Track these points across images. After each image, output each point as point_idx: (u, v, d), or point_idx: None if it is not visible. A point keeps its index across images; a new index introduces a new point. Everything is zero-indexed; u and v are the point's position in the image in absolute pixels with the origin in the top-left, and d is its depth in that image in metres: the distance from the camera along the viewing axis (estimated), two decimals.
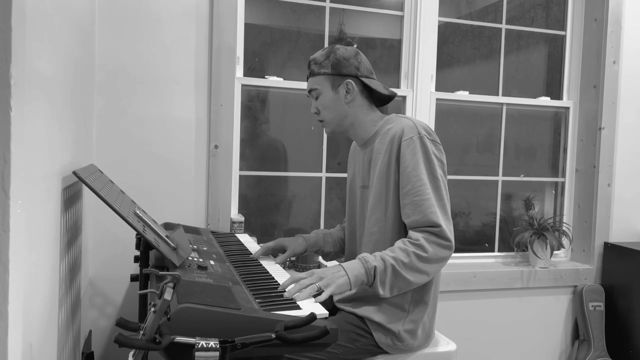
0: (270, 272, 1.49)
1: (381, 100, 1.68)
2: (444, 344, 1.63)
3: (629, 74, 2.65)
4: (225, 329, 1.02)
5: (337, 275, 1.37)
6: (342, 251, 1.87)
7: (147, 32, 2.05)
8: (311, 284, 1.31)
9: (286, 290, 1.30)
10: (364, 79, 1.60)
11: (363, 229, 1.64)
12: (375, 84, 1.62)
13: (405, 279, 1.42)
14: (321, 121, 1.65)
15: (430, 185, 1.46)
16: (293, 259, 1.96)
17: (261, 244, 1.98)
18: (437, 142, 1.53)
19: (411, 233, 1.46)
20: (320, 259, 2.19)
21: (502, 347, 2.58)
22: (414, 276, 1.43)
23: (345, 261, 1.79)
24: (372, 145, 1.61)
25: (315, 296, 1.30)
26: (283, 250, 1.75)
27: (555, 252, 2.71)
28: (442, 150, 1.53)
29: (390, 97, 1.65)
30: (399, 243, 1.45)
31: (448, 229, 1.45)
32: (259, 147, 2.35)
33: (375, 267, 1.39)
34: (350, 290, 1.39)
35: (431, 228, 1.44)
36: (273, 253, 1.77)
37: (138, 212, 1.42)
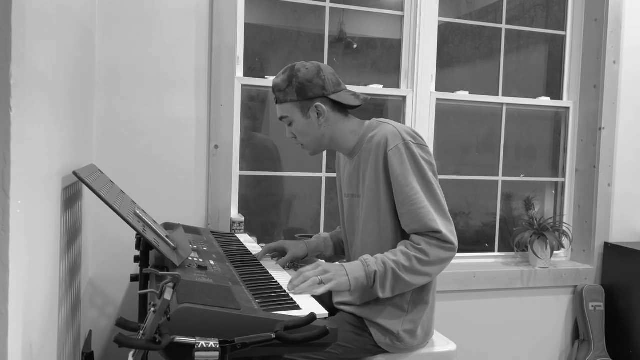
0: (271, 272, 1.49)
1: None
2: (443, 343, 1.63)
3: (629, 73, 2.65)
4: (225, 329, 1.02)
5: (339, 273, 1.39)
6: (343, 253, 1.87)
7: (147, 32, 2.05)
8: (314, 277, 1.35)
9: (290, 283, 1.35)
10: (332, 97, 1.54)
11: (354, 237, 1.64)
12: (345, 98, 1.56)
13: (406, 281, 1.43)
14: (301, 144, 1.62)
15: (423, 191, 1.46)
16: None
17: (262, 244, 1.98)
18: (423, 145, 1.51)
19: (413, 237, 1.47)
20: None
21: (502, 347, 2.58)
22: (415, 279, 1.43)
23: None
24: (359, 153, 1.59)
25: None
26: (284, 252, 1.75)
27: (555, 252, 2.71)
28: (430, 152, 1.52)
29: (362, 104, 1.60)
30: (401, 246, 1.46)
31: (449, 231, 1.45)
32: (259, 147, 2.35)
33: (375, 272, 1.41)
34: (349, 290, 1.41)
35: (432, 234, 1.44)
36: (274, 255, 1.78)
37: (138, 212, 1.42)
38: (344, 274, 1.39)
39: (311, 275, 1.36)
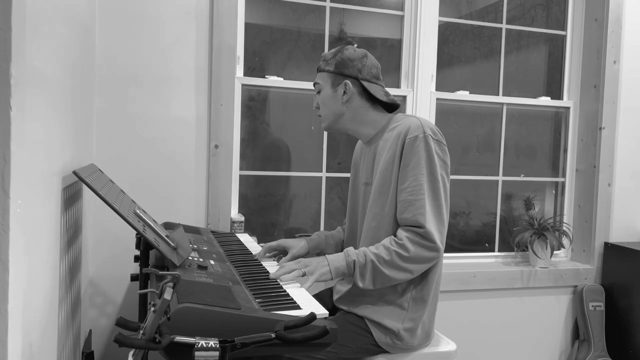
0: (271, 272, 1.49)
1: (389, 106, 1.68)
2: (444, 343, 1.63)
3: (630, 73, 2.65)
4: (225, 329, 1.02)
5: (320, 264, 1.46)
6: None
7: (147, 32, 2.05)
8: (297, 269, 1.42)
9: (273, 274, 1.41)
10: (364, 82, 1.60)
11: (363, 224, 1.65)
12: (375, 89, 1.62)
13: (386, 275, 1.46)
14: (319, 116, 1.70)
15: (427, 186, 1.48)
16: None
17: (262, 244, 1.98)
18: (442, 143, 1.53)
19: (398, 231, 1.50)
20: None
21: (502, 347, 2.58)
22: (395, 273, 1.46)
23: None
24: (377, 142, 1.63)
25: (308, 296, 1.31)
26: (285, 250, 1.75)
27: (555, 252, 2.71)
28: (447, 152, 1.54)
29: (392, 104, 1.65)
30: (385, 241, 1.50)
31: (436, 230, 1.46)
32: (259, 147, 2.35)
33: (354, 261, 1.46)
34: (331, 279, 1.47)
35: (417, 229, 1.46)
36: (275, 254, 1.77)
37: (138, 211, 1.42)
38: (325, 264, 1.46)
39: (294, 268, 1.43)
